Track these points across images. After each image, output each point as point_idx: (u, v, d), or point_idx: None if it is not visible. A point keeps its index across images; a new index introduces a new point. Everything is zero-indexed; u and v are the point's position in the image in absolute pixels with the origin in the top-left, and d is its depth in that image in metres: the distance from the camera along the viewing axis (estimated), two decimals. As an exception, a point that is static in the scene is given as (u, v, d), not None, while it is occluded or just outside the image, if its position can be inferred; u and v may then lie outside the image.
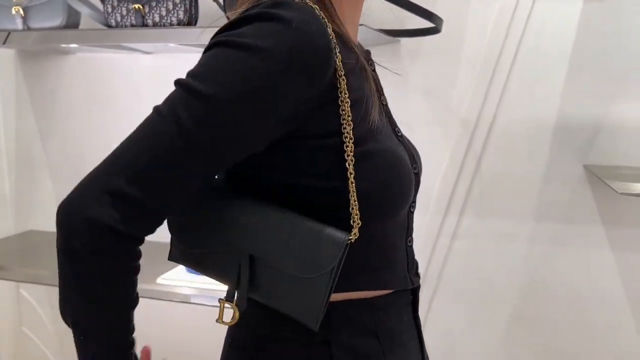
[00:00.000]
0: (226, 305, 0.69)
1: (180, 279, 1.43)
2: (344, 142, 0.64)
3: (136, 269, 0.64)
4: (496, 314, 1.64)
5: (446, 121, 1.59)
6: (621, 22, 1.46)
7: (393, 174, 0.68)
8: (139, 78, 1.74)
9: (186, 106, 0.59)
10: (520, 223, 1.59)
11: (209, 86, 0.59)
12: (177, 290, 1.40)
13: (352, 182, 0.64)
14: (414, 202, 0.78)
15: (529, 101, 1.54)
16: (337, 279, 0.63)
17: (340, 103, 0.64)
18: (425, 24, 1.36)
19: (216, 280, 0.72)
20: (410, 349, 0.78)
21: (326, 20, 0.63)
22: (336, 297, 0.68)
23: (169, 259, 0.76)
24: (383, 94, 0.78)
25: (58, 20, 1.49)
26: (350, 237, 0.63)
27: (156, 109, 0.62)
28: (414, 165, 0.75)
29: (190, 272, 1.47)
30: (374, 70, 0.78)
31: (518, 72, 1.54)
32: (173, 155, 0.59)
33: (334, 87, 0.64)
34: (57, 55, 1.85)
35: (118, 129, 1.88)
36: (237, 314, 0.68)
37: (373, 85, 0.70)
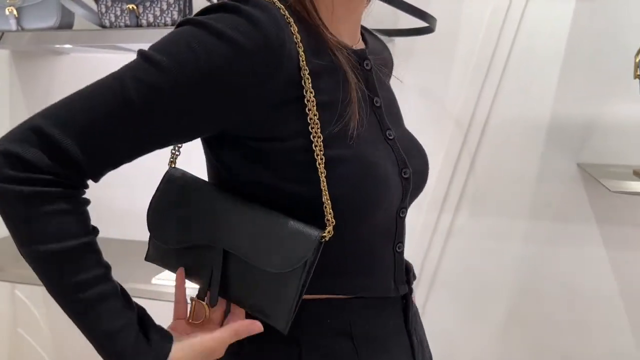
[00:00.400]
0: (198, 303, 0.69)
1: (175, 279, 1.43)
2: (312, 142, 0.64)
3: (42, 194, 0.59)
4: (491, 312, 1.65)
5: (440, 120, 1.60)
6: (614, 21, 1.47)
7: (363, 181, 0.66)
8: (133, 78, 1.74)
9: (136, 70, 0.60)
10: (514, 221, 1.59)
11: (162, 55, 0.60)
12: (171, 291, 1.39)
13: (323, 181, 0.64)
14: (404, 207, 0.75)
15: (523, 100, 1.55)
16: (309, 278, 0.63)
17: (306, 102, 0.64)
18: (419, 23, 1.37)
19: (190, 280, 0.72)
20: (396, 355, 0.76)
21: (292, 19, 0.64)
22: (308, 297, 0.68)
23: (145, 259, 0.77)
24: (377, 96, 0.75)
25: (52, 21, 1.48)
26: (324, 234, 0.63)
27: (112, 72, 0.62)
28: (403, 170, 0.72)
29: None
30: (369, 70, 0.75)
31: (511, 71, 1.54)
32: (107, 110, 0.59)
33: (296, 86, 0.64)
34: (51, 56, 1.84)
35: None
36: (208, 312, 0.69)
37: (355, 88, 0.68)
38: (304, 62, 0.64)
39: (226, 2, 0.62)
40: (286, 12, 0.64)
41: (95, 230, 0.64)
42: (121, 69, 0.62)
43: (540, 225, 1.58)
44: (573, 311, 1.59)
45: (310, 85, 0.64)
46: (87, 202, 0.64)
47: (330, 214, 0.64)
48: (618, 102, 1.49)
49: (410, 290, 0.79)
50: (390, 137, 0.74)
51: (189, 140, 0.69)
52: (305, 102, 0.64)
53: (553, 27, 1.51)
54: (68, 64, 1.83)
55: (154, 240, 0.75)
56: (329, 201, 0.64)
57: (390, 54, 0.92)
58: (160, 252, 0.74)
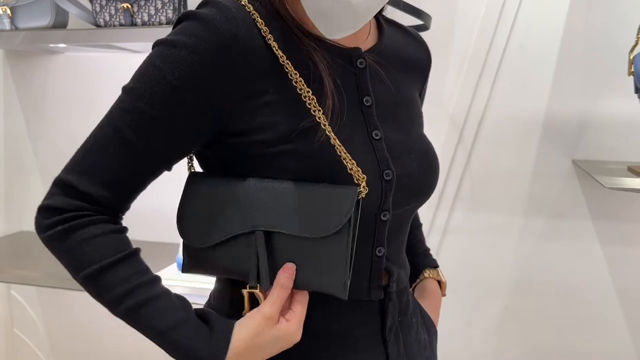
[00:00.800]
0: (251, 294, 0.67)
1: (174, 278, 1.43)
2: (314, 116, 0.65)
3: (75, 227, 0.66)
4: (487, 308, 1.65)
5: (436, 118, 1.60)
6: (608, 18, 1.48)
7: (317, 178, 0.66)
8: (127, 77, 1.73)
9: (119, 103, 0.67)
10: (510, 218, 1.60)
11: (135, 82, 0.66)
12: (170, 290, 1.39)
13: (339, 146, 0.65)
14: (386, 210, 0.71)
15: (518, 98, 1.55)
16: (355, 238, 0.64)
17: (294, 84, 0.66)
18: (414, 21, 1.37)
19: (234, 277, 0.70)
20: (361, 359, 0.73)
21: (257, 15, 0.66)
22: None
23: (182, 272, 0.76)
24: (369, 95, 0.73)
25: (46, 20, 1.48)
26: (360, 190, 0.64)
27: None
28: (385, 172, 0.70)
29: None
30: (363, 69, 0.73)
31: (506, 69, 1.55)
32: (107, 148, 0.66)
33: (273, 75, 0.66)
34: (45, 55, 1.84)
35: (108, 128, 1.87)
36: (263, 300, 0.66)
37: (329, 90, 0.67)
38: (278, 50, 0.66)
39: (187, 12, 0.66)
40: (251, 7, 0.67)
41: (131, 245, 0.68)
42: (111, 106, 0.68)
43: (535, 222, 1.59)
44: (568, 307, 1.60)
45: (293, 68, 0.66)
46: (122, 228, 0.69)
47: (358, 170, 0.65)
48: (613, 99, 1.50)
49: (389, 298, 0.75)
50: (376, 137, 0.71)
51: (189, 152, 0.72)
52: (294, 84, 0.66)
53: (548, 24, 1.51)
54: (62, 63, 1.82)
55: (187, 247, 0.73)
56: (352, 161, 0.65)
57: (424, 52, 0.90)
58: (197, 257, 0.72)
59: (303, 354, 0.70)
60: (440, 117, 1.60)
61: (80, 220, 0.65)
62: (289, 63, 0.66)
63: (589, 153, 1.53)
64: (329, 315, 0.71)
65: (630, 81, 1.35)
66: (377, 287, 0.74)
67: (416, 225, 1.02)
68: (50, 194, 0.67)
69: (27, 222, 1.94)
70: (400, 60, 0.81)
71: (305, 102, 0.66)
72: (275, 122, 0.66)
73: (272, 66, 0.66)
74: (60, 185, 0.67)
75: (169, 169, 0.70)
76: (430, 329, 0.86)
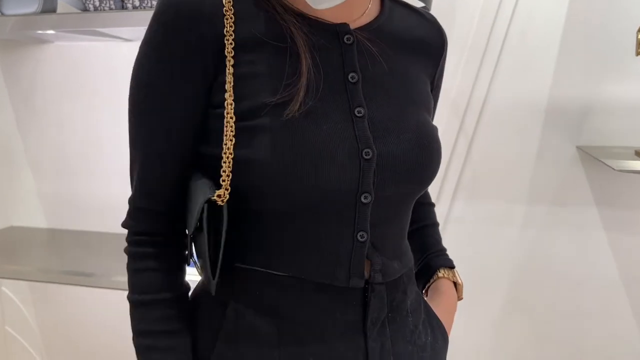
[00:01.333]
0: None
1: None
2: (225, 109, 0.66)
3: (136, 254, 0.72)
4: (489, 299, 1.63)
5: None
6: (610, 2, 1.45)
7: (283, 154, 0.64)
8: (119, 66, 1.69)
9: (128, 112, 0.70)
10: (513, 206, 1.58)
11: (130, 87, 0.69)
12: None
13: (228, 149, 0.65)
14: (367, 192, 0.67)
15: (520, 84, 1.53)
16: (220, 240, 0.65)
17: (227, 70, 0.67)
18: (415, 4, 1.33)
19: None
20: (336, 350, 0.70)
21: None
22: (244, 266, 0.70)
23: None
24: (355, 71, 0.70)
25: (33, 7, 1.44)
26: (213, 198, 0.65)
27: None
28: (364, 151, 0.66)
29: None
30: (350, 45, 0.70)
31: (508, 54, 1.52)
32: (130, 155, 0.72)
33: (222, 56, 0.67)
34: (34, 45, 1.79)
35: (98, 119, 1.83)
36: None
37: (305, 64, 0.66)
38: (231, 31, 0.66)
39: (157, 1, 0.68)
40: None
41: (177, 289, 0.74)
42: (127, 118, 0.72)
43: (539, 209, 1.56)
44: (572, 297, 1.58)
45: (232, 54, 0.66)
46: (176, 266, 0.74)
47: (228, 177, 0.65)
48: (616, 83, 1.48)
49: (372, 288, 0.70)
50: (359, 115, 0.68)
51: (198, 131, 0.70)
52: (226, 70, 0.67)
53: (550, 7, 1.48)
54: (52, 52, 1.78)
55: None
56: (230, 167, 0.65)
57: (437, 35, 0.84)
58: None
59: (274, 336, 0.69)
60: (440, 104, 1.56)
61: (143, 250, 0.72)
62: (231, 52, 0.66)
63: (592, 139, 1.51)
64: (302, 300, 0.69)
65: (635, 63, 1.32)
66: (357, 274, 0.69)
67: (431, 224, 0.98)
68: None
69: (17, 218, 1.90)
70: (401, 40, 0.77)
71: (227, 91, 0.66)
72: (219, 104, 0.68)
73: (224, 45, 0.67)
74: (129, 203, 0.73)
75: (192, 149, 0.72)
76: (436, 331, 0.81)
